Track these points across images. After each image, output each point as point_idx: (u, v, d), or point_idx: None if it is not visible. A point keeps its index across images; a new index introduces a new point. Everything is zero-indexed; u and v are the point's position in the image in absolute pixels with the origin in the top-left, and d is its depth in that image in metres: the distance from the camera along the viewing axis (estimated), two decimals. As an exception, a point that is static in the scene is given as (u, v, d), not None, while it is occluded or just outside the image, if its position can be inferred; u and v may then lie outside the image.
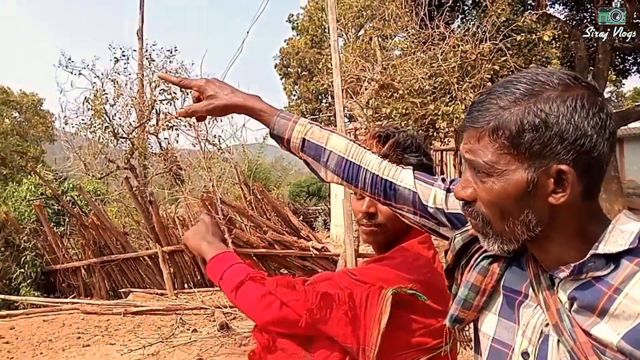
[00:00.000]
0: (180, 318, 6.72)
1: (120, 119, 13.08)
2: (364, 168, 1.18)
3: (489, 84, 8.81)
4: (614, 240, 0.81)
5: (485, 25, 8.61)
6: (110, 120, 12.85)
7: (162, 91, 13.00)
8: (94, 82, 12.83)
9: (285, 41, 21.24)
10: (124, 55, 13.47)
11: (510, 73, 9.00)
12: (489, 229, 0.89)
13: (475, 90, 8.52)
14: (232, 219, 8.61)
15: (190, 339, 5.88)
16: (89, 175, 12.79)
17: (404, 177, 1.16)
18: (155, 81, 13.26)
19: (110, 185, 14.15)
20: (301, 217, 13.88)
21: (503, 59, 8.50)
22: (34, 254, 9.53)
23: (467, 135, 0.87)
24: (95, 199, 10.81)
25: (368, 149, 1.22)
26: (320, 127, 1.23)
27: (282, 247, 8.38)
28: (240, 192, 10.07)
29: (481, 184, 0.86)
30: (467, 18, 11.43)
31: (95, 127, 13.05)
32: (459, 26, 10.53)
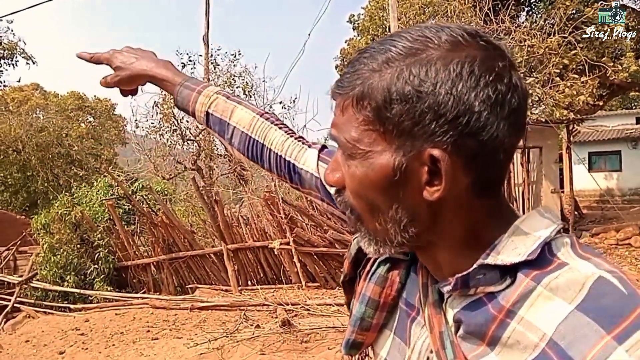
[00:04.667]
0: (244, 314, 6.86)
1: (187, 122, 13.55)
2: (267, 147, 1.02)
3: (558, 79, 8.50)
4: (513, 247, 0.62)
5: (553, 19, 8.31)
6: (178, 124, 13.34)
7: (226, 94, 13.38)
8: (163, 87, 13.34)
9: (345, 42, 21.25)
10: (190, 61, 13.98)
11: (580, 67, 8.70)
12: (360, 225, 0.70)
13: (543, 86, 8.24)
14: (294, 218, 8.72)
15: (253, 334, 5.99)
16: (158, 176, 13.33)
17: (307, 159, 0.98)
18: (220, 85, 13.64)
19: (178, 186, 14.67)
20: (362, 217, 13.87)
21: (573, 52, 8.18)
22: (107, 250, 10.04)
23: (335, 105, 0.67)
24: (164, 198, 11.22)
25: (277, 124, 1.04)
26: (228, 97, 1.07)
27: (343, 246, 8.40)
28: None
29: (346, 168, 0.67)
30: (533, 11, 11.06)
31: (164, 130, 13.60)
32: (525, 20, 10.21)
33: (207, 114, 1.06)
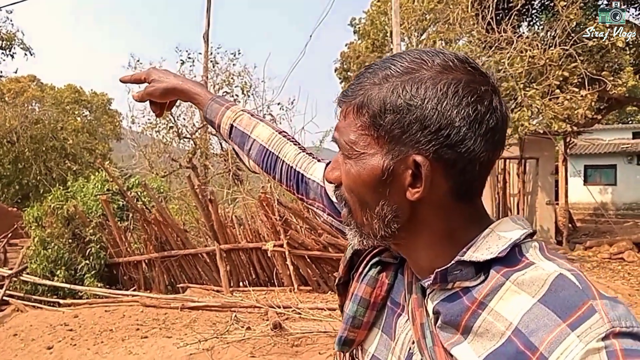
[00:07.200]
0: (235, 315, 6.80)
1: (184, 119, 13.51)
2: (281, 159, 1.13)
3: (558, 90, 8.51)
4: (486, 246, 0.70)
5: (555, 30, 8.31)
6: (174, 121, 13.28)
7: (224, 93, 13.33)
8: (161, 83, 13.28)
9: (346, 45, 21.26)
10: (189, 58, 13.93)
11: (580, 80, 8.71)
12: (350, 218, 0.80)
13: (543, 97, 8.24)
14: (288, 220, 8.68)
15: (244, 336, 5.94)
16: (153, 173, 13.25)
17: (315, 170, 1.09)
18: (219, 84, 13.60)
19: (172, 184, 14.60)
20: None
21: (573, 65, 8.19)
22: (98, 246, 9.93)
23: (339, 111, 0.78)
24: (158, 196, 11.15)
25: (292, 141, 1.17)
26: (252, 115, 1.20)
27: (337, 250, 8.36)
28: (297, 194, 10.14)
29: (344, 167, 0.77)
30: (534, 22, 11.08)
31: (160, 127, 13.53)
32: (527, 30, 10.23)
33: (232, 126, 1.19)
